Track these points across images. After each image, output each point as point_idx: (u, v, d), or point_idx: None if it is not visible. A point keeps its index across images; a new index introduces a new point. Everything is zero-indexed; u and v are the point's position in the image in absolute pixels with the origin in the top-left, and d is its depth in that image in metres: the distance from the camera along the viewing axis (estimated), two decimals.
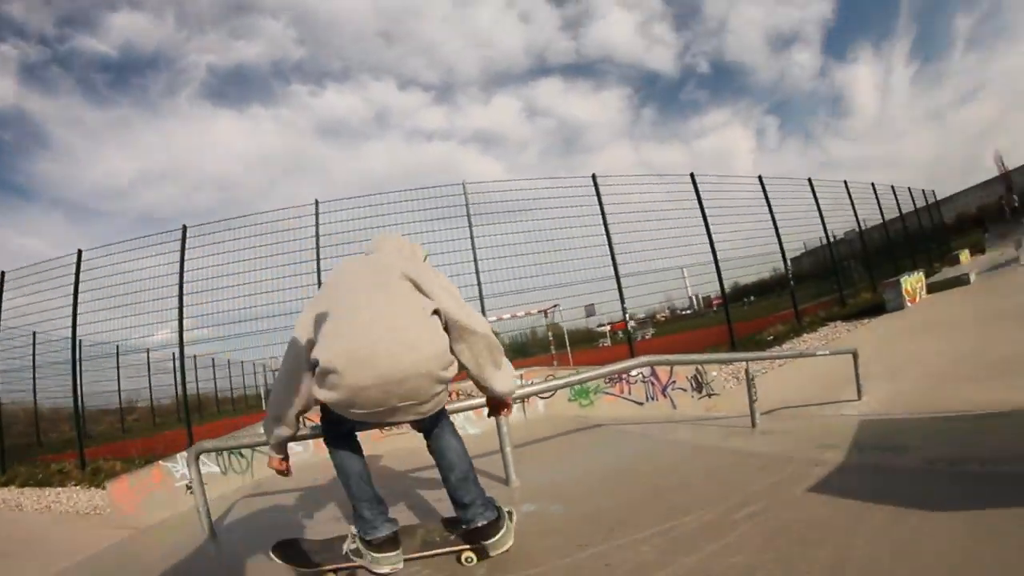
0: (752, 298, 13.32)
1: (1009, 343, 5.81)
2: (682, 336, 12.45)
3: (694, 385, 7.00)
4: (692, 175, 10.39)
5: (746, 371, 3.94)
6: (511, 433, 3.21)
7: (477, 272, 8.91)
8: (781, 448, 3.09)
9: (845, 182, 13.29)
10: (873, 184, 15.11)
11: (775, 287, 13.30)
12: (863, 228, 13.72)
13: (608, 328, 13.02)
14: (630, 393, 6.72)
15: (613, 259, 9.37)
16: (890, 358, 6.78)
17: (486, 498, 1.99)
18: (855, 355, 5.49)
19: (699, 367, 6.90)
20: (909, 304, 10.40)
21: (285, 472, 2.14)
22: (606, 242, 9.48)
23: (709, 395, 6.95)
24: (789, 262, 11.10)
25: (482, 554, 1.94)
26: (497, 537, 1.93)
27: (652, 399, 6.73)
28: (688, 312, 17.40)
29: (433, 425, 2.01)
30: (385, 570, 1.93)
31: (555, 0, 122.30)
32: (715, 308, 13.63)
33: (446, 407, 2.03)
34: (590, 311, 11.82)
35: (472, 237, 9.05)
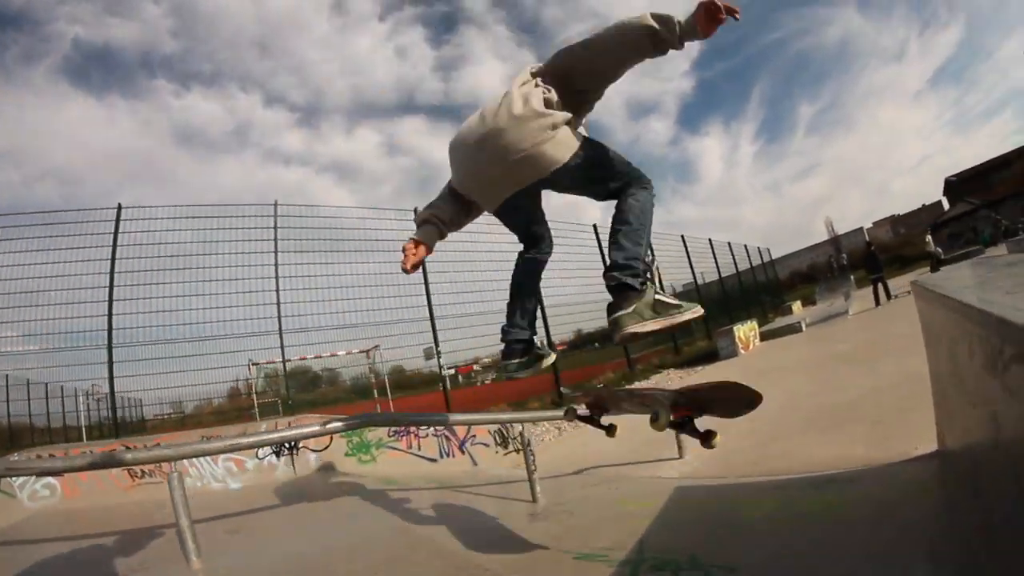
0: (597, 344, 13.41)
1: (842, 389, 5.61)
2: (517, 382, 11.98)
3: (498, 439, 6.28)
4: None
5: (521, 435, 3.34)
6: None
7: (278, 304, 7.74)
8: (553, 536, 2.61)
9: (682, 236, 14.05)
10: (710, 240, 16.30)
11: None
12: (699, 281, 14.51)
13: (453, 371, 12.21)
14: (420, 448, 5.81)
15: (428, 300, 8.78)
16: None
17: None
18: None
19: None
20: (743, 351, 10.81)
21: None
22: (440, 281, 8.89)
23: (517, 450, 6.23)
24: None
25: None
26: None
27: (447, 455, 5.88)
28: None
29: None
30: None
31: (434, 41, 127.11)
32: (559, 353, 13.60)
33: None
34: (429, 354, 11.01)
35: (276, 264, 7.91)
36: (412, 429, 5.66)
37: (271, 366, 8.61)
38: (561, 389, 8.95)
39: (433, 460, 5.78)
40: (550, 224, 2.30)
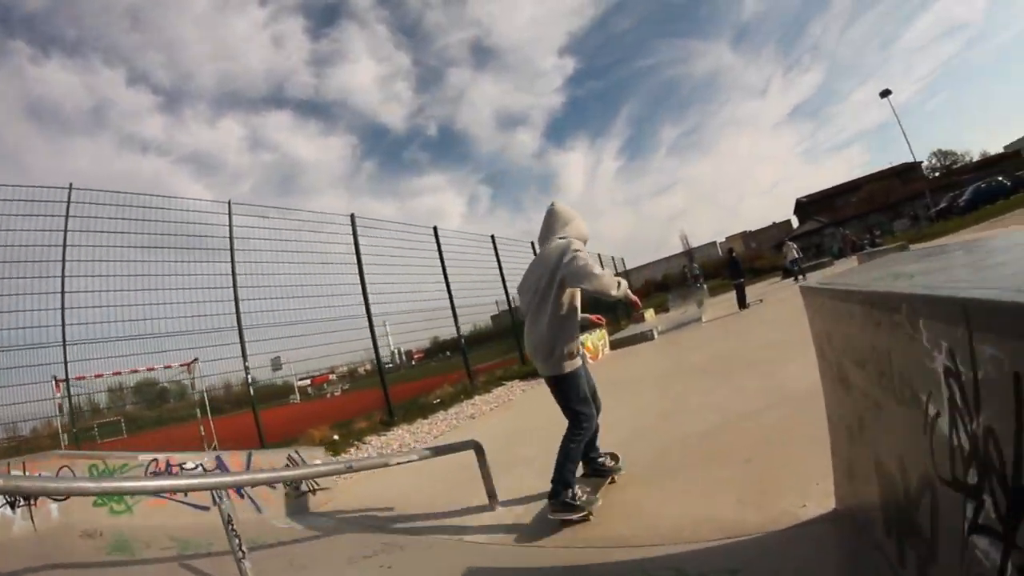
0: (448, 353, 12.91)
1: (699, 412, 4.53)
2: (369, 392, 11.12)
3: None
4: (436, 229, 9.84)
5: (220, 509, 2.50)
6: None
7: (63, 308, 6.34)
8: None
9: (532, 243, 14.05)
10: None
11: (471, 344, 13.11)
12: None
13: (308, 382, 11.15)
14: (186, 495, 4.30)
15: (237, 307, 7.67)
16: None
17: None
18: (478, 451, 3.75)
19: (292, 454, 5.10)
20: (591, 361, 10.84)
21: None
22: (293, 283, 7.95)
23: (313, 491, 4.94)
24: (490, 319, 10.96)
25: None
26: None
27: (223, 499, 4.58)
28: (390, 366, 16.65)
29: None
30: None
31: (312, 33, 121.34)
32: (414, 363, 12.99)
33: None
34: (276, 364, 9.95)
35: (64, 260, 6.48)
36: (174, 468, 4.63)
37: (81, 383, 7.09)
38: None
39: (204, 508, 4.22)
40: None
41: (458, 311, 10.49)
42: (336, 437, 7.10)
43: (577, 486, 2.95)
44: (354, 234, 8.78)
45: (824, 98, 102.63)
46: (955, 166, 49.43)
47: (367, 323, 8.52)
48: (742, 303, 13.67)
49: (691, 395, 5.37)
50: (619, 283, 2.96)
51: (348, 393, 11.36)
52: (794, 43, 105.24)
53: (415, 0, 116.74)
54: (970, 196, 25.24)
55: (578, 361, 3.11)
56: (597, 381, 3.57)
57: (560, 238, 3.12)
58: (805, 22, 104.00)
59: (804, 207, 52.68)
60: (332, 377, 9.02)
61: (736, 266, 14.57)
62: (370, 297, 8.65)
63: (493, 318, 12.39)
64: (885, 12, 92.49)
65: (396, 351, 15.17)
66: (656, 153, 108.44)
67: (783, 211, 71.90)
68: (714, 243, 61.20)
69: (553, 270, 2.97)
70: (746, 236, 68.90)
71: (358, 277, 8.68)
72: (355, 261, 8.71)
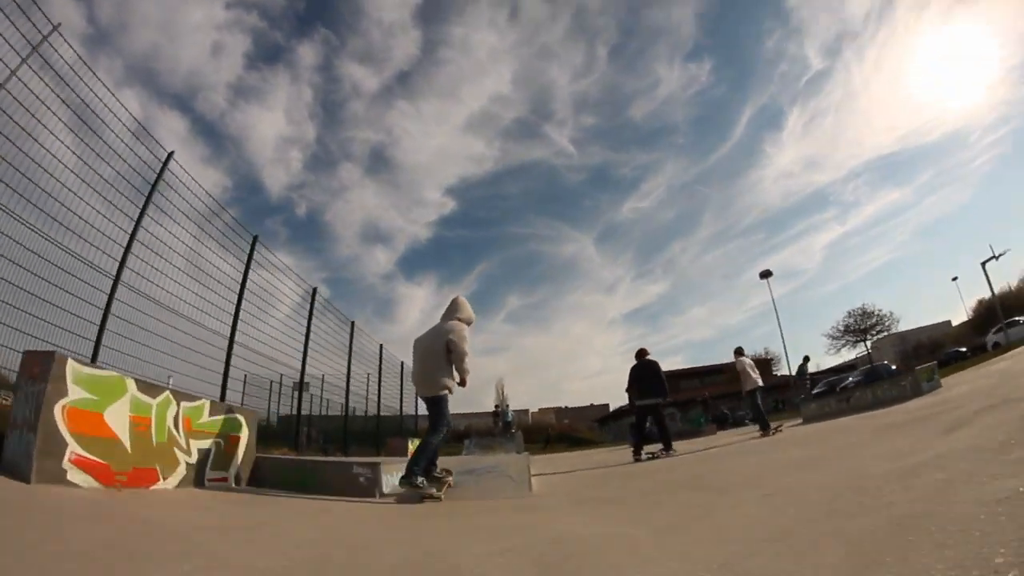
0: None
1: None
2: None
3: None
4: None
5: None
6: None
7: None
8: None
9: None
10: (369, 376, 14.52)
11: None
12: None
13: None
14: None
15: None
16: None
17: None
18: None
19: None
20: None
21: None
22: None
23: None
24: None
25: None
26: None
27: None
28: None
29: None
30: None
31: (250, 61, 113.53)
32: None
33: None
34: None
35: None
36: None
37: None
38: None
39: None
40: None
41: None
42: None
43: (421, 478, 4.50)
44: None
45: (663, 307, 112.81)
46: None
47: None
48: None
49: None
50: (467, 372, 4.90)
51: None
52: (652, 255, 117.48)
53: (349, 85, 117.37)
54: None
55: (447, 393, 4.82)
56: None
57: (458, 318, 5.03)
58: (669, 240, 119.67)
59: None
60: None
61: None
62: None
63: None
64: (740, 248, 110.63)
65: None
66: (496, 315, 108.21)
67: (601, 398, 76.26)
68: (527, 411, 55.42)
69: (445, 335, 4.83)
70: (560, 411, 64.29)
71: None
72: None
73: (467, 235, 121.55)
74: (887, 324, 47.33)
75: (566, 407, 71.25)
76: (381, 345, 16.13)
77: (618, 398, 70.77)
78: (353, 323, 13.80)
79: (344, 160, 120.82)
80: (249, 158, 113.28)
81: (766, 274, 31.32)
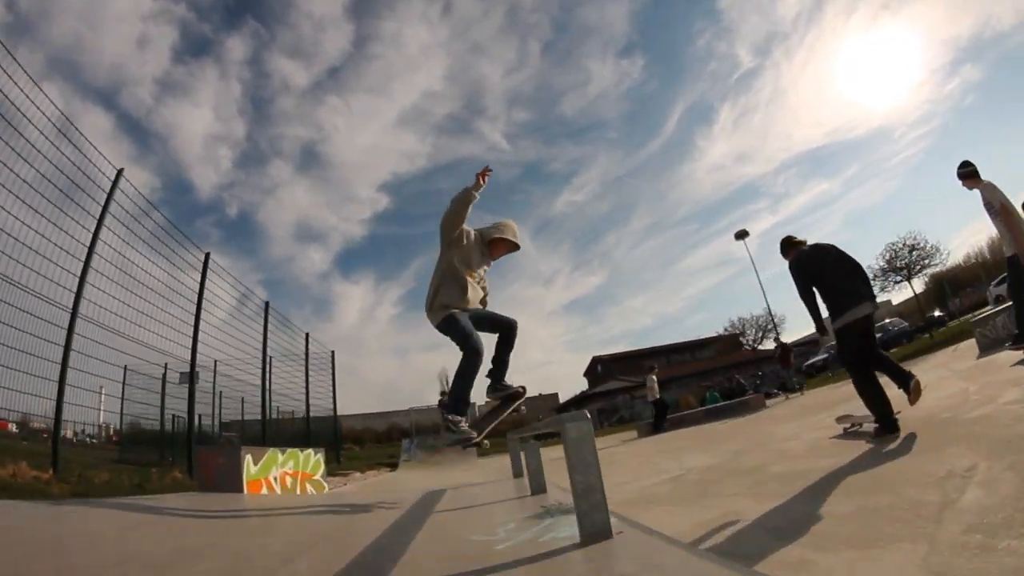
0: None
1: None
2: None
3: None
4: None
5: None
6: None
7: None
8: None
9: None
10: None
11: None
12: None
13: None
14: None
15: None
16: None
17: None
18: None
19: None
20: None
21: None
22: None
23: None
24: None
25: None
26: None
27: None
28: None
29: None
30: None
31: (176, 54, 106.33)
32: None
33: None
34: None
35: None
36: None
37: None
38: None
39: None
40: None
41: None
42: None
43: (458, 418, 4.00)
44: None
45: (600, 299, 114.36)
46: None
47: None
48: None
49: None
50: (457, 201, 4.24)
51: None
52: (588, 247, 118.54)
53: (279, 80, 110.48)
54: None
55: (450, 312, 4.11)
56: None
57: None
58: (603, 232, 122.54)
59: (606, 363, 54.76)
60: None
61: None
62: None
63: None
64: (674, 239, 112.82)
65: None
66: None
67: (549, 387, 74.83)
68: (474, 404, 55.94)
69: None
70: None
71: None
72: None
73: (401, 231, 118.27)
74: (936, 260, 34.45)
75: None
76: (307, 334, 15.28)
77: (566, 389, 72.52)
78: (308, 334, 14.27)
79: (275, 157, 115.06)
80: (177, 156, 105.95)
81: (742, 234, 31.38)
